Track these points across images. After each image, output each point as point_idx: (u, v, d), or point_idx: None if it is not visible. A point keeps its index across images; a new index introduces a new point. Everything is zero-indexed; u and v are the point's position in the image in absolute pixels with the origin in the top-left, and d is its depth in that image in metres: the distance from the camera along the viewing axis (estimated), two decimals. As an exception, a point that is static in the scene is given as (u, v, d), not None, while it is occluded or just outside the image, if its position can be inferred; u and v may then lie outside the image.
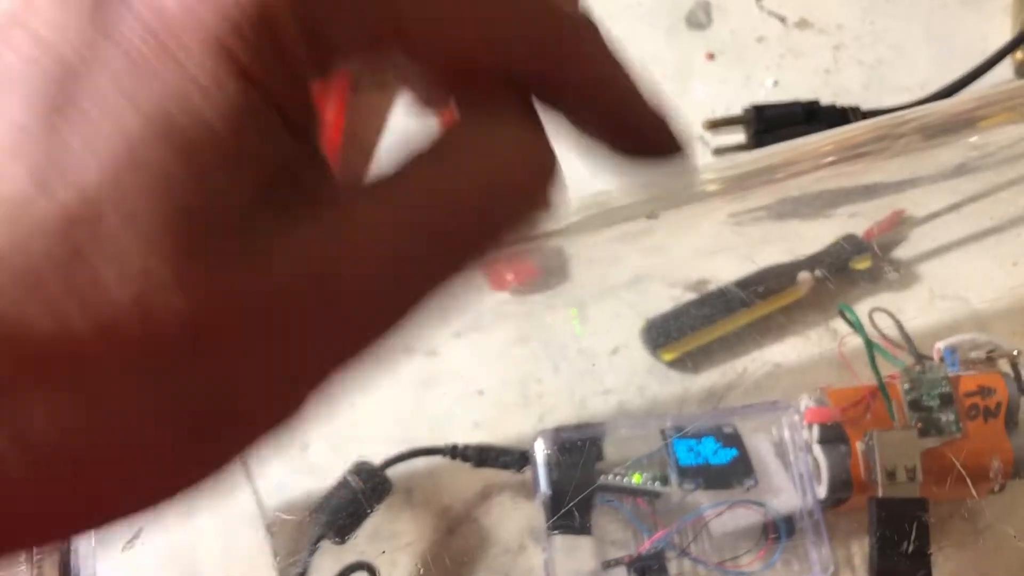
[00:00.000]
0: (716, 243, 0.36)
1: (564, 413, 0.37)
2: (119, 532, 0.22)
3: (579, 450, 0.33)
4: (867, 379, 0.33)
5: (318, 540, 0.31)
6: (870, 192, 0.34)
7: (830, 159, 0.30)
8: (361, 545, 0.34)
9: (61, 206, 0.11)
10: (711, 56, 0.46)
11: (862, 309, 0.35)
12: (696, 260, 0.36)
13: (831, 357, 0.37)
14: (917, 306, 0.36)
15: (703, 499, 0.32)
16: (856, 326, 0.32)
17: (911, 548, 0.29)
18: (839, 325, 0.36)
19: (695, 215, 0.32)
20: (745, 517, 0.32)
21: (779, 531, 0.32)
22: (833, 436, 0.32)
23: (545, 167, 0.15)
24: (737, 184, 0.31)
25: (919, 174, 0.34)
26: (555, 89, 0.16)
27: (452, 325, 0.37)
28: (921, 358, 0.33)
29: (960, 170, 0.32)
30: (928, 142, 0.30)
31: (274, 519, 0.31)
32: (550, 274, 0.36)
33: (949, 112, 0.32)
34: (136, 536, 0.22)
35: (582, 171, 0.42)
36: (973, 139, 0.30)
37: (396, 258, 0.13)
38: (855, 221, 0.36)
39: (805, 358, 0.37)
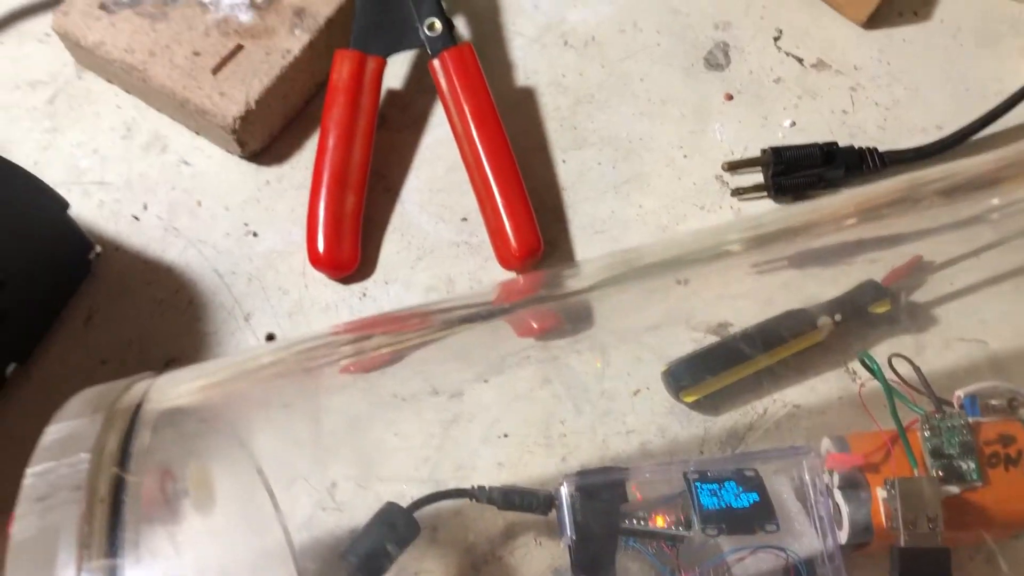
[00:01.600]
0: (737, 289, 0.36)
1: (587, 454, 0.37)
2: None
3: (603, 493, 0.33)
4: (886, 423, 0.33)
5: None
6: (889, 241, 0.34)
7: (851, 221, 0.31)
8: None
9: None
10: (729, 96, 0.46)
11: (881, 352, 0.35)
12: (717, 305, 0.37)
13: (850, 400, 0.37)
14: (936, 350, 0.37)
15: (725, 543, 0.33)
16: (877, 374, 0.33)
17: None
18: (858, 368, 0.36)
19: (719, 270, 0.33)
20: (766, 561, 0.33)
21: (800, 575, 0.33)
22: (854, 482, 0.32)
23: None
24: (759, 244, 0.32)
25: (939, 224, 0.34)
26: None
27: (476, 368, 0.37)
28: (941, 404, 0.34)
29: (979, 220, 0.33)
30: (948, 200, 0.31)
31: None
32: (573, 321, 0.37)
33: (970, 173, 0.32)
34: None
35: (614, 224, 0.43)
36: (994, 201, 0.30)
37: None
38: (874, 267, 0.36)
39: (824, 400, 0.38)
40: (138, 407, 0.24)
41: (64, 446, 0.23)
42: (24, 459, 0.24)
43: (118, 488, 0.22)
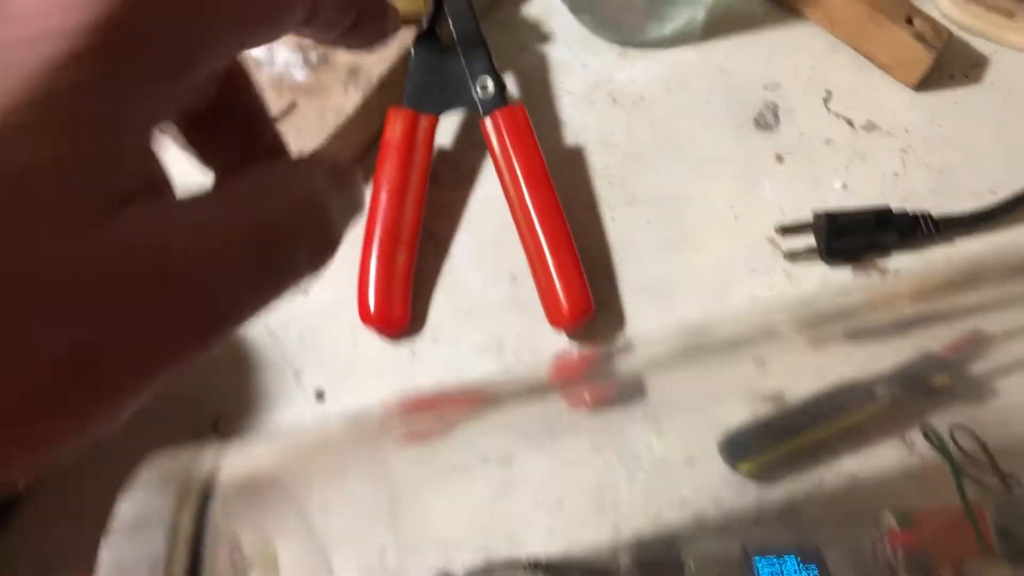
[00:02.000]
0: (794, 360, 0.36)
1: (639, 522, 0.37)
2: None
3: (660, 566, 0.33)
4: (947, 495, 0.33)
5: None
6: (948, 315, 0.34)
7: (906, 303, 0.30)
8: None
9: None
10: (780, 158, 0.46)
11: (941, 423, 0.35)
12: (773, 376, 0.36)
13: (909, 472, 0.36)
14: (998, 423, 0.36)
15: (786, 620, 0.32)
16: (942, 451, 0.32)
17: None
18: (917, 439, 0.36)
19: (774, 349, 0.33)
20: (828, 640, 0.32)
21: (863, 656, 0.32)
22: (920, 563, 0.32)
23: (315, 209, 0.19)
24: (813, 324, 0.31)
25: (1000, 298, 0.34)
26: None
27: (527, 436, 0.37)
28: (1006, 479, 0.33)
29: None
30: (1010, 278, 0.30)
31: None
32: (627, 391, 0.36)
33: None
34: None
35: (663, 283, 0.43)
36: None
37: (210, 250, 0.16)
38: (933, 340, 0.36)
39: (882, 471, 0.37)
40: (208, 481, 0.24)
41: (138, 523, 0.22)
42: (82, 515, 0.24)
43: (194, 566, 0.22)
